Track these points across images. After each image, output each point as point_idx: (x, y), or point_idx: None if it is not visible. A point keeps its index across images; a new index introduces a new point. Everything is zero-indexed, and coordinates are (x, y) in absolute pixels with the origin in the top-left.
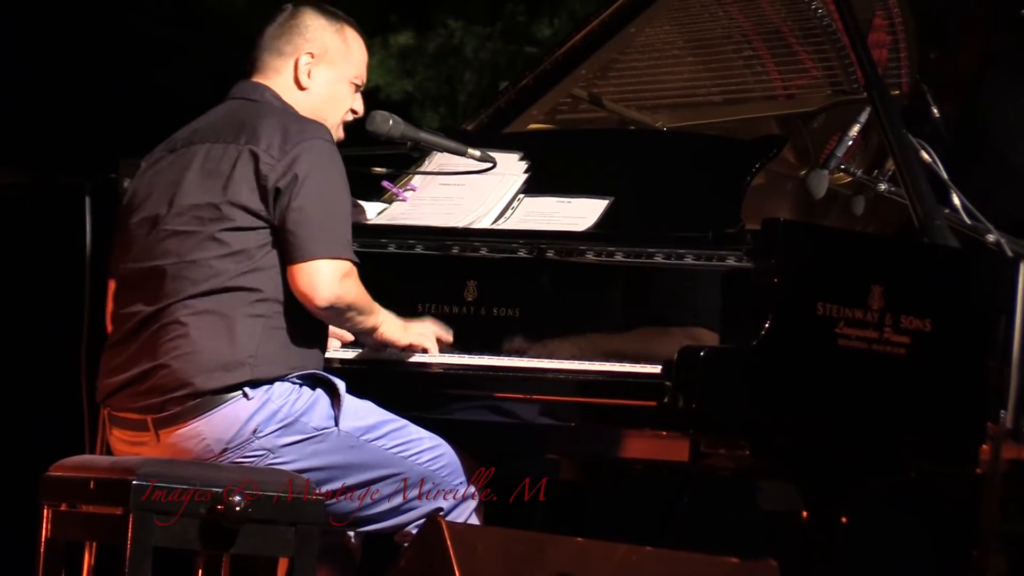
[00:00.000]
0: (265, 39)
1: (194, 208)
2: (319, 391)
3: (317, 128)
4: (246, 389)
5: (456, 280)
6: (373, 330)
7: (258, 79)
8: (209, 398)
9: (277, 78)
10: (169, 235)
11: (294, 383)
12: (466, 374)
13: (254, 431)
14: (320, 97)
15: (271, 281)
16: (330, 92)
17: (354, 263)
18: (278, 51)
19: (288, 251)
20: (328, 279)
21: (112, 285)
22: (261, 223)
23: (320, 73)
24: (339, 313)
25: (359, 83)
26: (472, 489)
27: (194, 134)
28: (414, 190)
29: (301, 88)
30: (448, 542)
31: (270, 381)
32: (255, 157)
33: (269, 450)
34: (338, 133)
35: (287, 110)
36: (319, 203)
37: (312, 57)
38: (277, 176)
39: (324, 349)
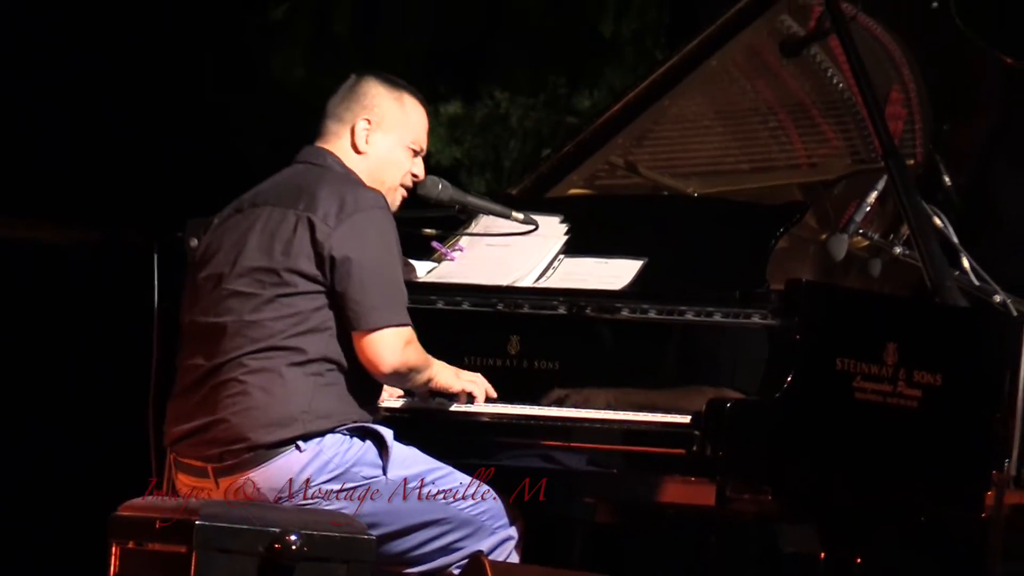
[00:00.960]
0: (329, 106)
1: (255, 271)
2: (368, 442)
3: (373, 197)
4: (299, 443)
5: (500, 334)
6: (428, 382)
7: (321, 144)
8: (264, 451)
9: (337, 143)
10: (231, 294)
11: (344, 434)
12: (508, 423)
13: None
14: (377, 161)
15: (324, 341)
16: (387, 156)
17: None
18: (338, 117)
19: (351, 320)
20: (393, 348)
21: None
22: (317, 287)
23: (377, 139)
24: (402, 377)
25: (417, 148)
26: (512, 530)
27: (258, 196)
28: (461, 250)
29: (358, 152)
30: None
31: (321, 434)
32: (312, 225)
33: (321, 498)
34: (397, 196)
35: (347, 176)
36: (377, 273)
37: (369, 123)
38: (333, 245)
39: (376, 401)
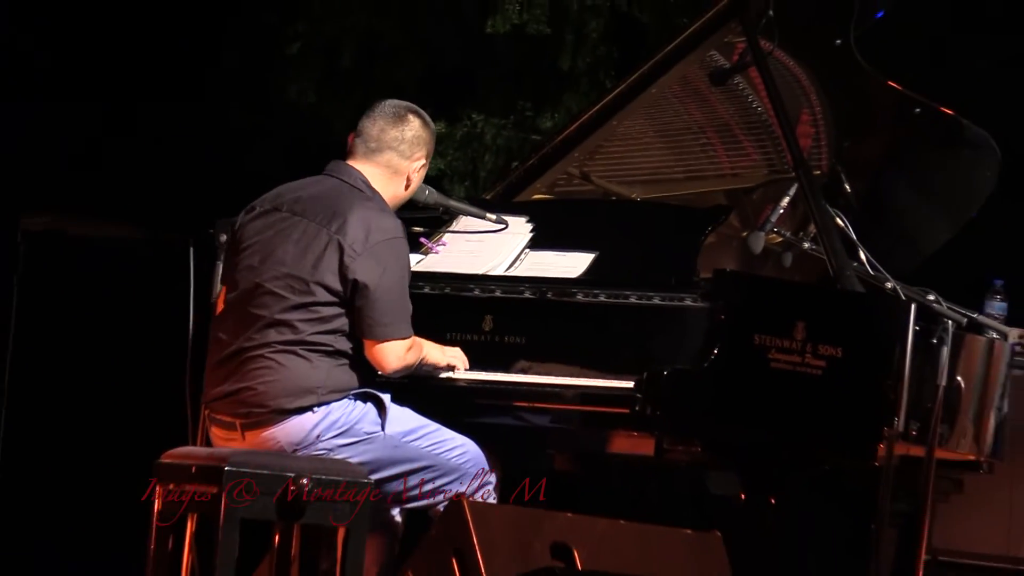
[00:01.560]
0: (378, 132)
1: (288, 277)
2: (369, 404)
3: (395, 227)
4: (314, 407)
5: (476, 314)
6: (421, 365)
7: (359, 165)
8: (284, 412)
9: (384, 171)
10: (266, 292)
11: (350, 398)
12: (483, 387)
13: (317, 436)
14: (413, 187)
15: (340, 339)
16: (420, 180)
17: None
18: (397, 151)
19: (364, 329)
20: (397, 355)
21: (219, 303)
22: (338, 299)
23: (420, 173)
24: (401, 373)
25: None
26: (491, 477)
27: (296, 204)
28: (444, 245)
29: (407, 186)
30: (468, 516)
31: (334, 400)
32: (341, 249)
33: (329, 450)
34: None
35: (375, 201)
36: (391, 295)
37: (424, 162)
38: (357, 270)
39: (377, 373)
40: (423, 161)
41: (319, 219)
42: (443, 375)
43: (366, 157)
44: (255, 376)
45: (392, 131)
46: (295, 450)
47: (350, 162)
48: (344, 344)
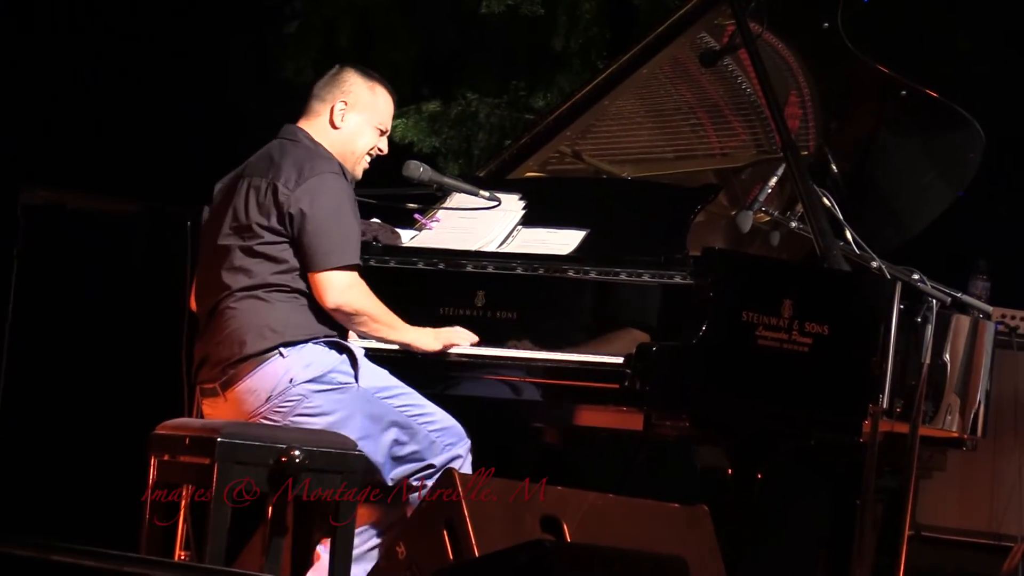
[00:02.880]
0: (315, 89)
1: (238, 228)
2: (344, 355)
3: (327, 163)
4: (281, 349)
5: (469, 290)
6: (390, 340)
7: (302, 121)
8: (253, 359)
9: (316, 120)
10: (221, 248)
11: (322, 345)
12: (474, 361)
13: (291, 380)
14: (349, 135)
15: (297, 277)
16: (357, 132)
17: (359, 269)
18: (320, 98)
19: (305, 262)
20: (337, 287)
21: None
22: (283, 238)
23: (351, 117)
24: (347, 315)
25: (383, 128)
26: (463, 450)
27: (246, 168)
28: (438, 221)
29: (334, 127)
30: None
31: (301, 342)
32: (275, 188)
33: (303, 396)
34: (360, 167)
35: (314, 149)
36: (327, 224)
37: (345, 104)
38: (291, 203)
39: (343, 328)
40: (344, 103)
41: (260, 172)
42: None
43: (312, 113)
44: (222, 329)
45: (318, 83)
46: (269, 398)
47: (301, 121)
48: (301, 284)
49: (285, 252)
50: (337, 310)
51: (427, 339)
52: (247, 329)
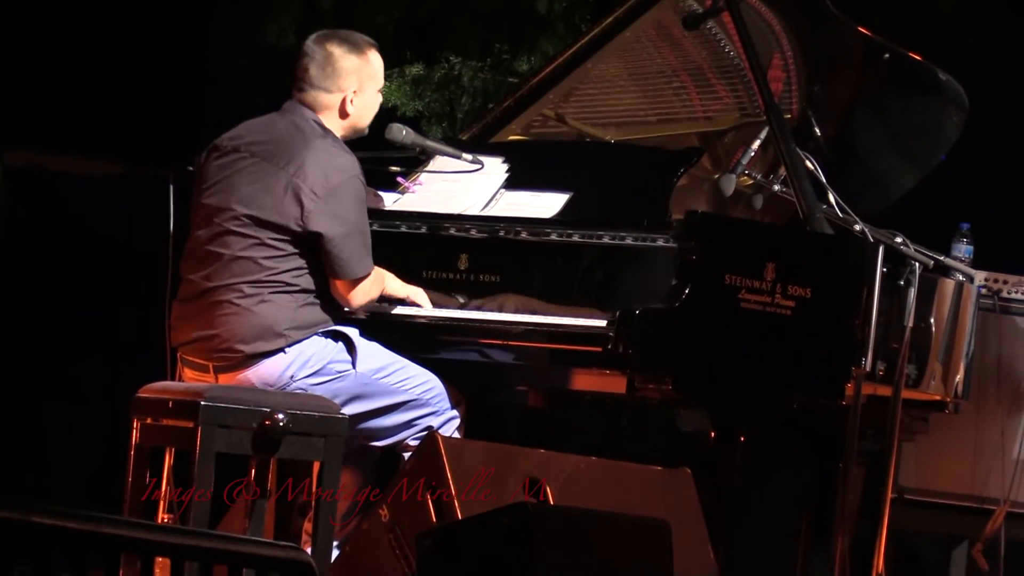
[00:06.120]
0: (311, 78)
1: (249, 216)
2: (340, 343)
3: (351, 165)
4: (284, 348)
5: (452, 253)
6: (381, 295)
7: (309, 105)
8: (256, 356)
9: (328, 112)
10: (227, 232)
11: (319, 335)
12: (456, 324)
13: (291, 376)
14: (360, 115)
15: (303, 275)
16: (367, 107)
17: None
18: (326, 90)
19: (331, 268)
20: (363, 292)
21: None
22: (299, 238)
23: (359, 99)
24: (365, 307)
25: (381, 87)
26: (455, 412)
27: (255, 145)
28: (421, 184)
29: (346, 116)
30: (442, 450)
31: (303, 338)
32: (301, 191)
33: (303, 390)
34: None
35: (331, 139)
36: (352, 234)
37: (355, 93)
38: (318, 215)
39: (342, 309)
40: (355, 87)
41: (277, 160)
42: (407, 311)
43: (307, 96)
44: (223, 323)
45: (313, 70)
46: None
47: (306, 103)
48: (308, 281)
49: (297, 251)
50: (359, 307)
51: (397, 287)
52: (252, 331)
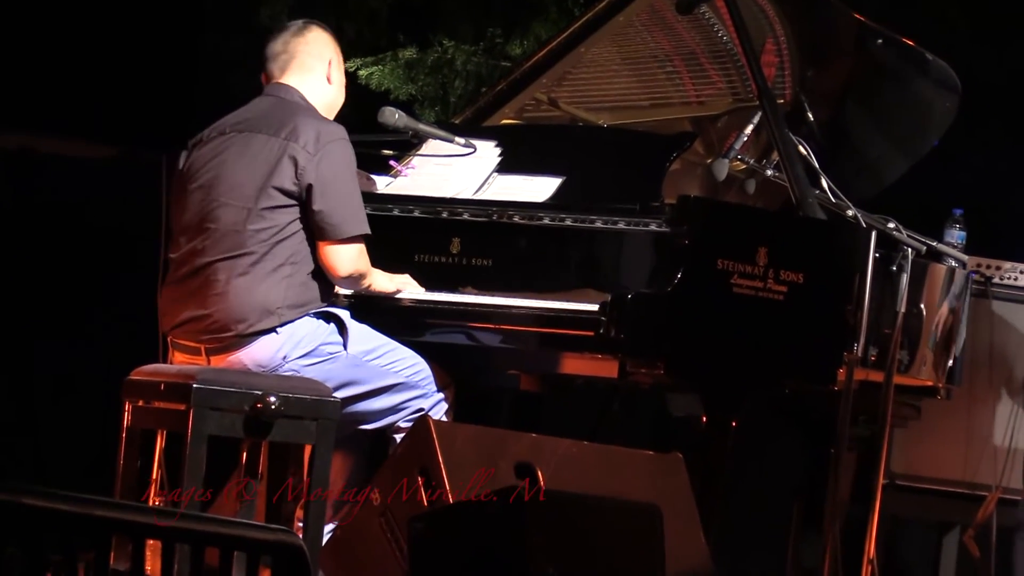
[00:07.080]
0: (292, 51)
1: (241, 187)
2: (332, 324)
3: (339, 129)
4: (276, 328)
5: (444, 237)
6: (368, 288)
7: (289, 81)
8: (248, 337)
9: (310, 77)
10: (220, 205)
11: (312, 317)
12: (449, 308)
13: (284, 357)
14: (339, 89)
15: (294, 247)
16: (342, 83)
17: (368, 237)
18: (316, 55)
19: (320, 232)
20: (350, 257)
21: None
22: (293, 203)
23: (335, 73)
24: (354, 281)
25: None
26: (443, 395)
27: (243, 123)
28: (414, 168)
29: (329, 83)
30: (434, 435)
31: (294, 320)
32: (295, 151)
33: (295, 371)
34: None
35: (316, 111)
36: (345, 194)
37: (330, 64)
38: (313, 171)
39: (333, 290)
40: (331, 58)
41: (268, 130)
42: (416, 296)
43: (287, 72)
44: (215, 302)
45: (295, 40)
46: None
47: (286, 81)
48: (299, 257)
49: (290, 219)
50: (348, 277)
51: (385, 283)
52: (242, 311)
